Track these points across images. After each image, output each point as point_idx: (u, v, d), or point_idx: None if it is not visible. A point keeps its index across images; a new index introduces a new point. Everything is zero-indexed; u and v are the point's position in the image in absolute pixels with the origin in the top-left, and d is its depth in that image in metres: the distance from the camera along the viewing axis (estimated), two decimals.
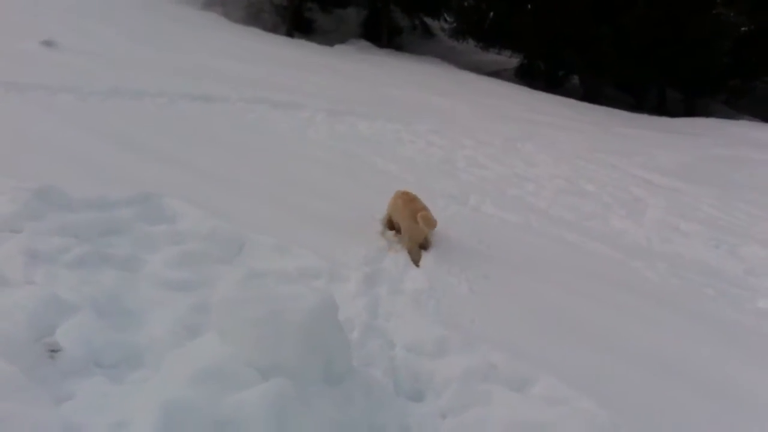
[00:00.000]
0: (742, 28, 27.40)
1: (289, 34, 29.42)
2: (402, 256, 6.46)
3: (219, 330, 4.23)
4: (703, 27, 26.26)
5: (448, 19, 33.32)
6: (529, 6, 29.14)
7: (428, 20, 35.09)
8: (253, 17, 29.99)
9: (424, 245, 6.72)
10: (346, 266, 6.00)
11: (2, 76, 10.22)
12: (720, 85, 29.43)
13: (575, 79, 32.40)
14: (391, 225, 7.11)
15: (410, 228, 6.61)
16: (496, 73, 29.76)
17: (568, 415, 4.17)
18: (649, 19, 25.83)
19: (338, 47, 27.49)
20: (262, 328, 4.02)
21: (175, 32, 19.95)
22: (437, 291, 5.83)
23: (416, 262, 6.45)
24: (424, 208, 6.66)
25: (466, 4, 31.52)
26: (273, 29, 28.62)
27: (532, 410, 4.24)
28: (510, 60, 32.79)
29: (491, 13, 30.87)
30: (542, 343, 5.28)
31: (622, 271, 7.30)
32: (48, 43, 13.40)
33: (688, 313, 6.43)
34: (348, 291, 5.58)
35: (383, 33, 31.84)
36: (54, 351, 4.09)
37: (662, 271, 7.41)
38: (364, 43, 29.71)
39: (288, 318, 4.03)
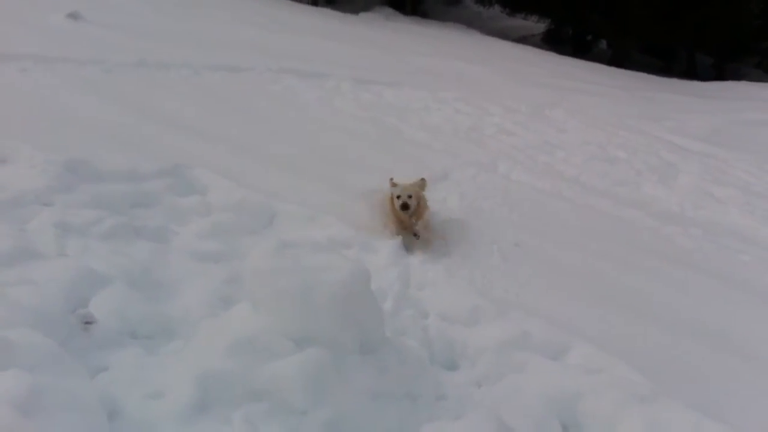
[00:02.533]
0: None
1: (314, 2, 29.20)
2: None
3: (252, 301, 4.21)
4: None
5: None
6: None
7: None
8: None
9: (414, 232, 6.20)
10: (377, 236, 5.95)
11: (29, 49, 10.22)
12: (750, 48, 28.85)
13: (603, 44, 31.94)
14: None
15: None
16: (523, 39, 29.36)
17: (606, 383, 4.12)
18: None
19: (363, 15, 27.23)
20: (296, 298, 3.98)
21: (199, 3, 19.84)
22: (469, 260, 5.78)
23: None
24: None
25: None
26: None
27: (569, 378, 4.19)
28: (537, 25, 32.34)
29: None
30: (577, 311, 5.21)
31: (656, 238, 7.20)
32: (74, 16, 13.36)
33: (724, 279, 6.33)
34: (379, 261, 5.53)
35: (408, 0, 31.50)
36: (88, 323, 4.09)
37: (697, 237, 7.30)
38: (389, 10, 29.39)
39: (321, 288, 3.99)
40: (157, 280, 4.74)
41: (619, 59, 27.44)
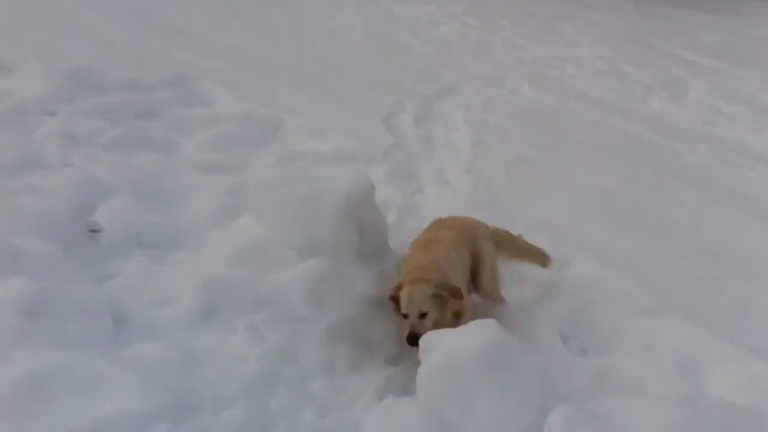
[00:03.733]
0: None
1: None
2: (439, 151, 6.37)
3: (256, 211, 4.25)
4: None
5: None
6: None
7: None
8: None
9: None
10: (381, 150, 5.94)
11: None
12: None
13: None
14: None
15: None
16: None
17: (607, 296, 4.16)
18: None
19: None
20: (299, 208, 4.01)
21: None
22: (474, 173, 5.76)
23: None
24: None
25: None
26: None
27: (570, 290, 4.22)
28: None
29: None
30: (580, 225, 5.22)
31: (664, 154, 7.14)
32: None
33: (730, 195, 6.30)
34: (383, 174, 5.52)
35: None
36: (94, 231, 4.14)
37: (704, 154, 7.23)
38: None
39: (325, 199, 4.02)
40: (162, 190, 4.76)
41: None
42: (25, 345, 2.79)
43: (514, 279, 4.35)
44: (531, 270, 4.41)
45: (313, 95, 6.93)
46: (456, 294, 3.50)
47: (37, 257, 3.48)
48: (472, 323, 3.28)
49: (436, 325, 3.46)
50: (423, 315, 3.46)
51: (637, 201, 5.89)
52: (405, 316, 3.50)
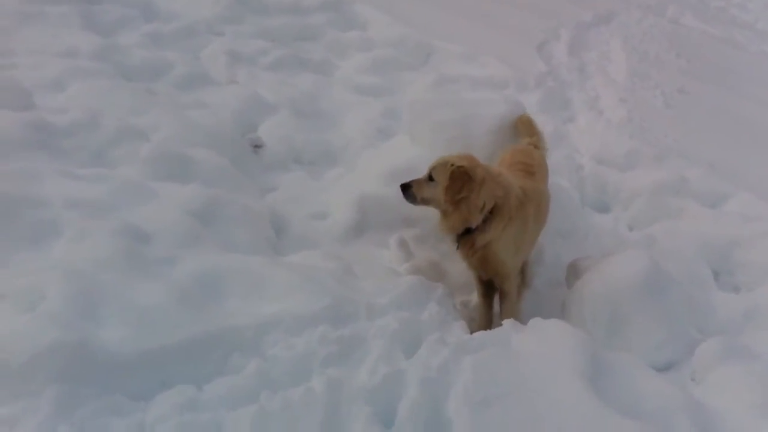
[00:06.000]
0: None
1: None
2: (592, 80, 6.24)
3: (410, 133, 4.33)
4: None
5: None
6: None
7: None
8: None
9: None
10: (534, 77, 5.88)
11: None
12: None
13: None
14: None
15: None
16: None
17: (763, 232, 4.01)
18: None
19: None
20: (452, 131, 4.05)
21: None
22: (629, 103, 5.63)
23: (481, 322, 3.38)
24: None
25: None
26: None
27: (725, 226, 4.11)
28: None
29: None
30: (740, 160, 5.02)
31: None
32: None
33: None
34: (535, 101, 5.47)
35: None
36: (257, 146, 4.38)
37: None
38: None
39: (478, 123, 4.04)
40: (320, 110, 4.96)
41: None
42: (198, 245, 2.99)
43: (671, 212, 4.27)
44: (688, 204, 4.31)
45: (467, 20, 6.90)
46: (466, 182, 3.03)
47: (208, 167, 3.71)
48: (627, 252, 3.29)
49: (442, 216, 3.17)
50: (431, 179, 3.15)
51: None
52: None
